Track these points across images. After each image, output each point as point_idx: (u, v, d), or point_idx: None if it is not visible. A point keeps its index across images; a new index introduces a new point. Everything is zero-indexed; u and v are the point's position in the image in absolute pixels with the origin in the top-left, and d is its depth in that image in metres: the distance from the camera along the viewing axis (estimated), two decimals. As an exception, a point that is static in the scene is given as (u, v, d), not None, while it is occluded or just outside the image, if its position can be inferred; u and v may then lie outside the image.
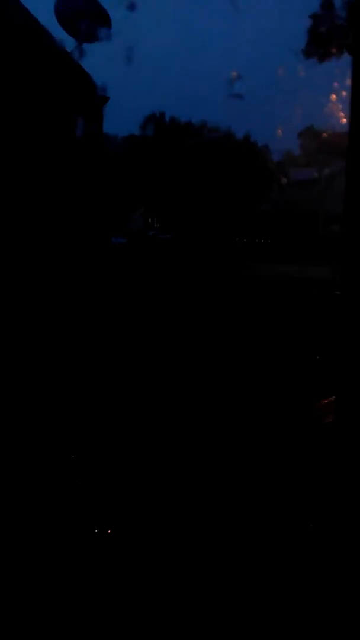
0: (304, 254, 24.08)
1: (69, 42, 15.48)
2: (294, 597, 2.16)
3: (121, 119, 37.21)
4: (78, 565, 2.37)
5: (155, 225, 36.98)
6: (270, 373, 5.61)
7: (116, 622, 2.05)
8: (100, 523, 2.69)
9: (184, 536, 2.56)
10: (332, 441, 3.66)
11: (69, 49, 15.11)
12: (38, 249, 12.63)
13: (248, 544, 2.52)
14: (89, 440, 3.76)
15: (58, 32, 14.88)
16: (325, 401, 4.58)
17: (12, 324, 7.48)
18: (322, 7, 17.68)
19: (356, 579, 2.26)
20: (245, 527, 2.66)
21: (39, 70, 13.10)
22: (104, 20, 16.50)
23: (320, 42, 17.33)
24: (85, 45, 15.80)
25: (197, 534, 2.58)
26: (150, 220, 38.14)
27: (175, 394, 4.87)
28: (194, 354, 6.53)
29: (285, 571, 2.33)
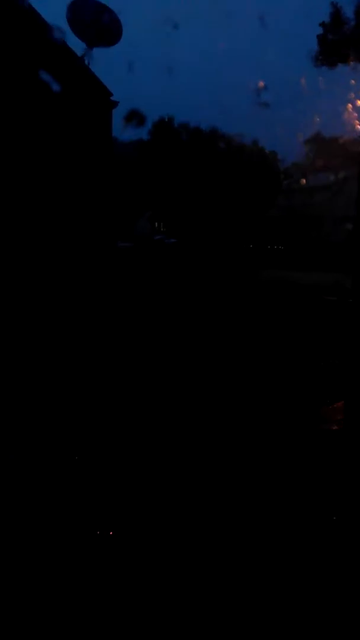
0: (311, 260, 24.04)
1: (79, 46, 15.62)
2: (295, 600, 2.15)
3: (129, 124, 37.21)
4: (78, 565, 2.37)
5: (162, 229, 37.05)
6: (274, 378, 5.59)
7: (116, 622, 2.04)
8: (100, 523, 2.68)
9: (185, 540, 2.56)
10: (339, 447, 3.64)
11: (79, 53, 15.25)
12: (42, 251, 12.68)
13: (248, 548, 2.52)
14: (92, 438, 3.76)
15: (69, 36, 15.02)
16: (331, 407, 4.56)
17: (21, 320, 7.67)
18: (331, 16, 17.75)
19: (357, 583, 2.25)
20: (245, 531, 2.65)
21: (49, 73, 13.20)
22: (115, 25, 16.64)
23: (331, 50, 17.37)
24: (96, 50, 15.94)
25: (199, 538, 2.57)
26: (156, 224, 38.23)
27: (179, 395, 4.86)
28: (196, 354, 6.52)
29: (285, 575, 2.32)
